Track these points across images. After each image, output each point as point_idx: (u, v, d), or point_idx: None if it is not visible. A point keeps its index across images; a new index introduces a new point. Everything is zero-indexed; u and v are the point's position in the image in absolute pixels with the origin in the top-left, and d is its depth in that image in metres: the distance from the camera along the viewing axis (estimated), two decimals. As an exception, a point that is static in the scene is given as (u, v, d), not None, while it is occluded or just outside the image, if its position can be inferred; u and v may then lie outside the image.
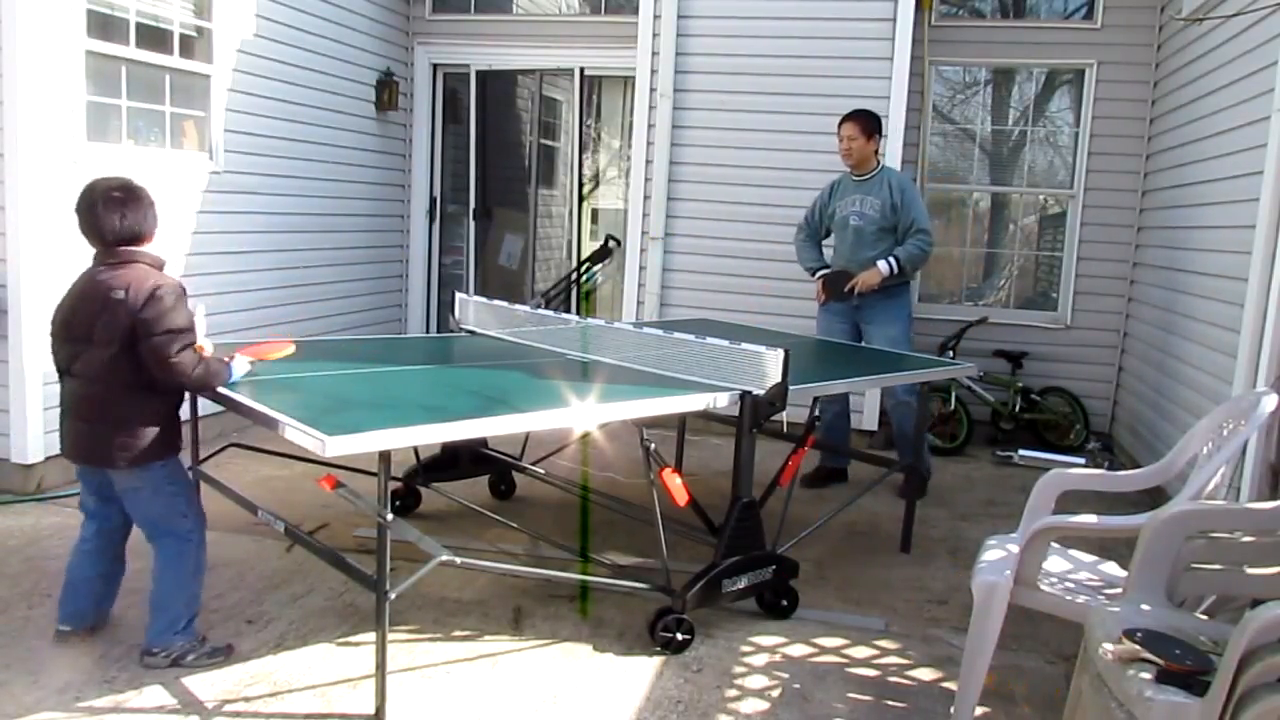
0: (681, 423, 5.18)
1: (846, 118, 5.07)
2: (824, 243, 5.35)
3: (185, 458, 3.10)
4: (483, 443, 4.47)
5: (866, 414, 5.99)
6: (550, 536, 3.94)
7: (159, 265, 2.92)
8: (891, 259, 4.93)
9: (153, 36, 5.03)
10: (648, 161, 6.26)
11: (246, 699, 2.84)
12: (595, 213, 7.85)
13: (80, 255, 2.92)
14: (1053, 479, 3.13)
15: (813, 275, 5.27)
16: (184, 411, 3.01)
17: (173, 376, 2.79)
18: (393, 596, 2.66)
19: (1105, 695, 2.17)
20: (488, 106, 7.72)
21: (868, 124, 5.02)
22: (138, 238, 2.88)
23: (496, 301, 4.56)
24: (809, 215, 5.31)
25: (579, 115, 7.47)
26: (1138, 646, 2.13)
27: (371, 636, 2.83)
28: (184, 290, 2.87)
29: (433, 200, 7.75)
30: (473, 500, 4.33)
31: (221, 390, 2.90)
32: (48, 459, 4.50)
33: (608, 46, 7.02)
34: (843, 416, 5.31)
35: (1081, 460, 5.89)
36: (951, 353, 6.06)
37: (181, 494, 3.00)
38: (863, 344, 5.08)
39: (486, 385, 3.39)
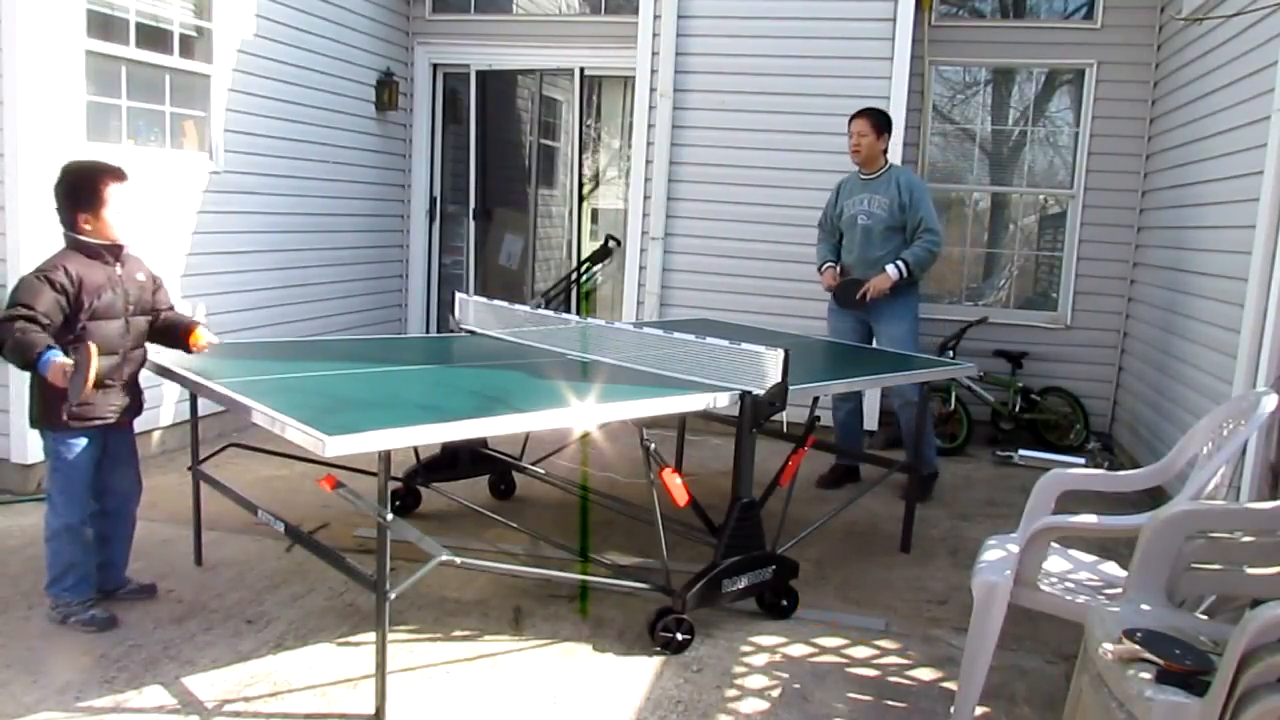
0: (681, 423, 5.18)
1: (858, 114, 5.05)
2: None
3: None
4: (483, 443, 4.47)
5: (867, 414, 5.98)
6: (550, 536, 3.94)
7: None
8: (900, 262, 4.89)
9: (153, 36, 5.03)
10: (648, 161, 6.26)
11: (246, 699, 2.84)
12: (595, 213, 7.85)
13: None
14: (1053, 479, 3.13)
15: (819, 270, 5.25)
16: (184, 411, 3.01)
17: None
18: (393, 596, 2.66)
19: (1105, 695, 2.17)
20: (488, 106, 7.72)
21: (878, 121, 5.00)
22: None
23: (496, 301, 4.56)
24: (822, 219, 5.30)
25: (579, 115, 7.47)
26: (1138, 646, 2.12)
27: (371, 636, 2.83)
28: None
29: (433, 200, 7.74)
30: (473, 500, 4.33)
31: (221, 390, 2.91)
32: (48, 459, 4.50)
33: (608, 46, 7.02)
34: (855, 415, 5.27)
35: (1081, 460, 5.88)
36: (951, 352, 6.05)
37: (59, 471, 3.12)
38: (872, 343, 5.07)
39: (486, 385, 3.39)
